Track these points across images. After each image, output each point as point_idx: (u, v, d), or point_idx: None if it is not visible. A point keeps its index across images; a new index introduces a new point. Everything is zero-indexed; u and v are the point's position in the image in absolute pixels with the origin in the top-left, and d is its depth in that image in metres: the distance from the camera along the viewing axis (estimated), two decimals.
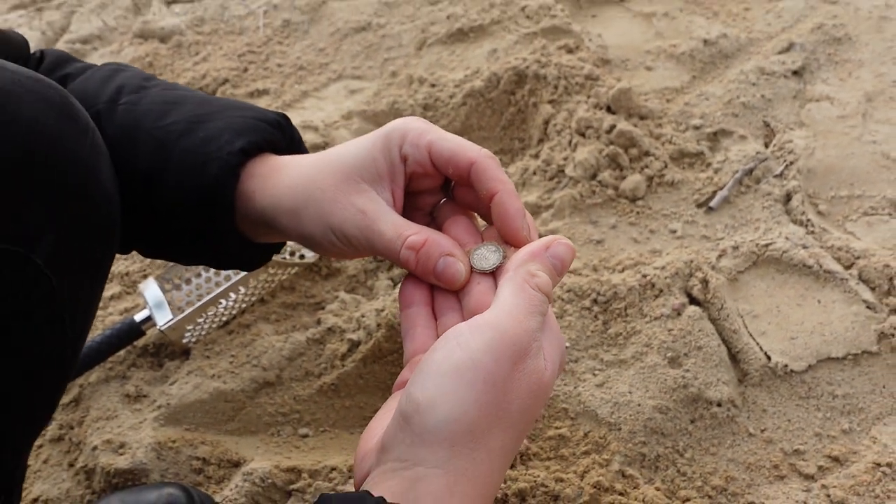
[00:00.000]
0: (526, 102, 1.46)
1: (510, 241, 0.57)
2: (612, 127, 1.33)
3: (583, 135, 1.34)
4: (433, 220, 0.64)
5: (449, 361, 0.46)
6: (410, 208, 0.64)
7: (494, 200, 0.57)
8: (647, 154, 1.31)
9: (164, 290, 1.15)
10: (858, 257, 1.09)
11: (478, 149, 0.59)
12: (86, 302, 0.63)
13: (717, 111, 1.39)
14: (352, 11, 1.85)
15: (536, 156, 1.39)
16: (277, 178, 0.63)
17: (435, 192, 0.64)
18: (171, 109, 0.67)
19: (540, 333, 0.49)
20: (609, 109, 1.39)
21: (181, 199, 0.65)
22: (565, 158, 1.33)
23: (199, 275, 1.19)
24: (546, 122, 1.41)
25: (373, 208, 0.58)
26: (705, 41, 1.55)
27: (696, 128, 1.37)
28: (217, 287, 1.16)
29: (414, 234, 0.57)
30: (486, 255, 0.56)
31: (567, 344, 1.05)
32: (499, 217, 0.57)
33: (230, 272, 1.18)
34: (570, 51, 1.54)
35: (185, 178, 0.64)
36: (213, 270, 1.20)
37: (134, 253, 0.93)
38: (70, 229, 0.57)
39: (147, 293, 1.15)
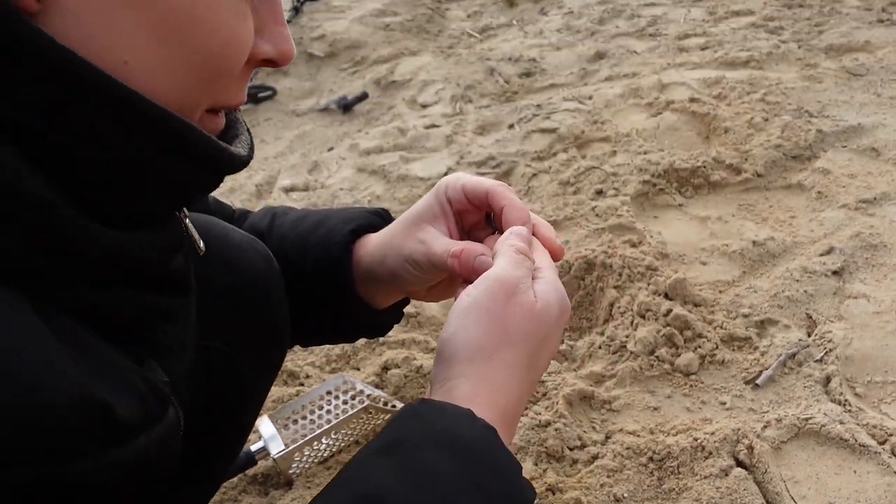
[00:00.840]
0: (594, 287, 1.68)
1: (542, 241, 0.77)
2: (669, 311, 1.52)
3: (643, 317, 1.54)
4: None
5: (461, 306, 0.66)
6: (469, 241, 0.84)
7: (503, 212, 0.76)
8: (700, 336, 1.49)
9: (276, 426, 1.35)
10: (891, 434, 1.22)
11: (494, 182, 0.79)
12: (260, 397, 0.84)
13: (765, 302, 1.57)
14: None
15: (602, 333, 1.58)
16: (372, 244, 0.86)
17: (483, 227, 0.84)
18: (304, 219, 0.93)
19: (527, 279, 0.67)
20: (667, 296, 1.59)
21: (314, 278, 0.87)
22: (627, 336, 1.52)
23: (304, 416, 1.40)
24: (611, 305, 1.62)
25: (429, 238, 0.79)
26: (754, 242, 1.77)
27: (745, 316, 1.55)
28: (320, 428, 1.35)
29: (456, 246, 0.76)
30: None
31: (625, 494, 1.19)
32: (506, 222, 0.76)
33: (331, 417, 1.37)
34: (633, 245, 1.77)
35: (316, 262, 0.87)
36: (316, 413, 1.40)
37: None
38: (261, 336, 0.80)
39: (262, 428, 1.35)
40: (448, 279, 0.86)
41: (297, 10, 3.92)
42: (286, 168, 2.61)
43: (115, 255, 0.52)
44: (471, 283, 0.71)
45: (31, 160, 0.46)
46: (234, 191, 2.45)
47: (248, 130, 0.65)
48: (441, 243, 0.78)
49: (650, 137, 2.28)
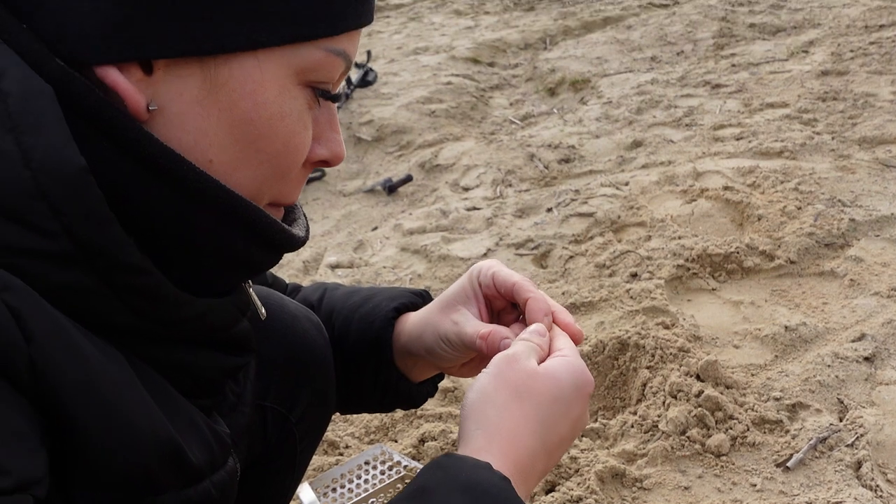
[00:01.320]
0: (627, 367, 1.72)
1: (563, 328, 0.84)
2: (701, 392, 1.55)
3: (675, 397, 1.58)
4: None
5: (478, 378, 0.73)
6: (497, 324, 0.91)
7: (527, 304, 0.83)
8: (731, 417, 1.51)
9: (316, 494, 1.41)
10: None
11: (520, 276, 0.86)
12: (306, 459, 0.91)
13: (796, 387, 1.60)
14: None
15: (635, 412, 1.61)
16: (411, 322, 0.93)
17: (510, 311, 0.90)
18: (352, 295, 1.01)
19: (529, 352, 0.74)
20: (698, 377, 1.62)
21: (360, 348, 0.95)
22: (659, 416, 1.55)
23: (343, 485, 1.45)
24: (644, 385, 1.66)
25: (462, 319, 0.86)
26: (787, 327, 1.80)
27: (777, 399, 1.57)
28: (358, 496, 1.41)
29: (484, 329, 0.83)
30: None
31: None
32: (529, 312, 0.83)
33: (368, 487, 1.43)
34: (666, 327, 1.82)
35: (361, 332, 0.95)
36: (355, 482, 1.45)
37: None
38: (312, 401, 0.87)
39: (302, 494, 1.41)
40: (478, 357, 0.93)
41: (347, 97, 4.12)
42: (332, 246, 2.73)
43: (195, 319, 0.61)
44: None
45: (134, 237, 0.56)
46: (283, 266, 2.56)
47: (304, 215, 0.74)
48: (472, 325, 0.86)
49: (684, 223, 2.35)
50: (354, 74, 4.34)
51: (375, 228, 2.86)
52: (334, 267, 2.51)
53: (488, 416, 0.70)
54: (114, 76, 0.54)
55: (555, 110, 3.85)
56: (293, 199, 0.70)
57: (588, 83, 4.06)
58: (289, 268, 2.56)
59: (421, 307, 0.99)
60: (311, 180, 3.40)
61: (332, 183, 3.41)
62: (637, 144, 3.11)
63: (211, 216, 0.59)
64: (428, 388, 1.03)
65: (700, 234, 2.28)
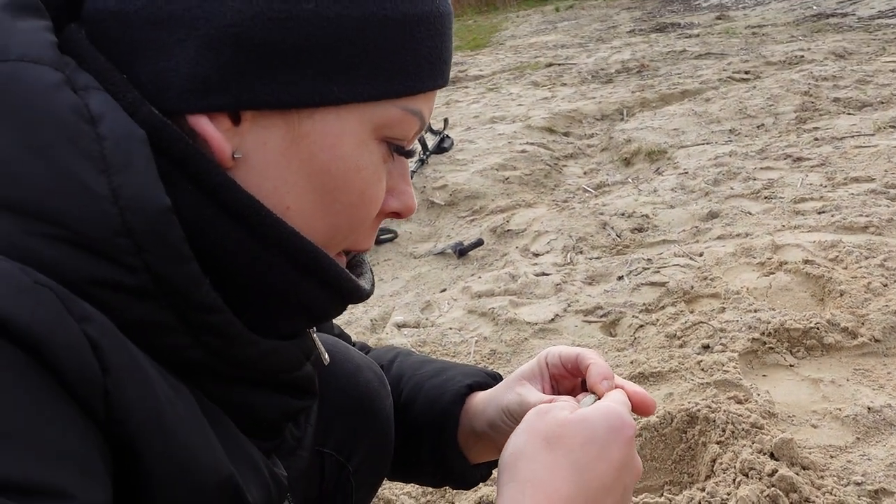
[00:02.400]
0: (696, 441, 1.65)
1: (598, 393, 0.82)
2: (775, 471, 1.47)
3: (746, 475, 1.50)
4: None
5: (510, 438, 0.71)
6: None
7: (589, 370, 0.82)
8: (807, 500, 1.43)
9: None
10: None
11: (586, 349, 0.85)
12: None
13: (879, 472, 1.50)
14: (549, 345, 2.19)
15: (703, 489, 1.54)
16: (479, 397, 0.93)
17: (580, 391, 0.88)
18: (424, 364, 1.01)
19: (562, 407, 0.72)
20: (772, 456, 1.54)
21: (425, 417, 0.94)
22: (728, 494, 1.48)
23: None
24: (713, 461, 1.58)
25: (526, 392, 0.86)
26: (870, 408, 1.70)
27: (858, 484, 1.48)
28: None
29: (548, 397, 0.82)
30: (585, 401, 0.80)
31: None
32: (590, 377, 0.81)
33: None
34: (739, 402, 1.75)
35: (429, 402, 0.94)
36: None
37: None
38: (370, 452, 0.86)
39: None
40: None
41: (423, 162, 4.20)
42: (400, 305, 2.74)
43: (260, 358, 0.62)
44: None
45: (209, 277, 0.57)
46: (350, 323, 2.59)
47: (370, 270, 0.76)
48: (536, 396, 0.86)
49: (761, 296, 2.27)
50: (431, 141, 4.44)
51: (444, 290, 2.87)
52: (401, 326, 2.52)
53: (519, 468, 0.68)
54: (204, 125, 0.57)
55: (629, 180, 3.82)
56: (366, 248, 0.72)
57: (664, 154, 4.03)
58: (357, 325, 2.58)
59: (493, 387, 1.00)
60: (382, 241, 3.45)
61: (404, 245, 3.45)
62: (713, 215, 3.05)
63: (284, 262, 0.60)
64: (482, 472, 1.02)
65: (778, 307, 2.20)
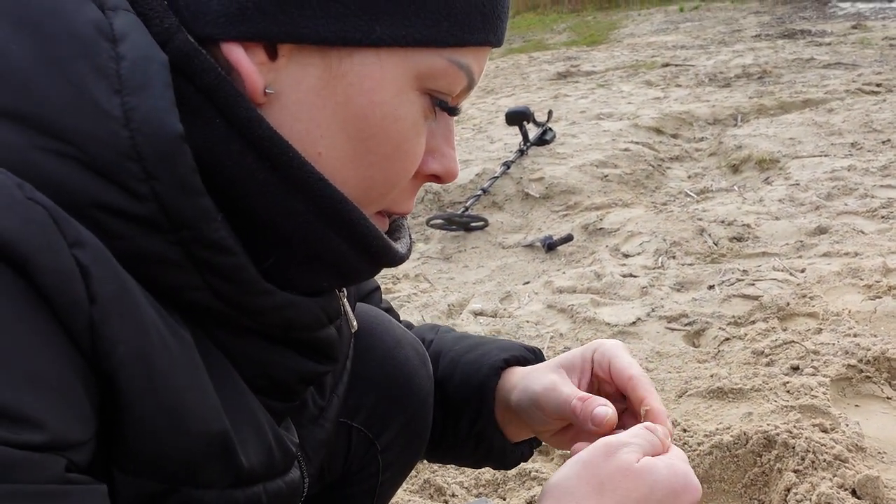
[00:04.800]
0: (771, 467, 1.55)
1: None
2: None
3: None
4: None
5: (569, 459, 0.67)
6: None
7: (642, 403, 0.77)
8: None
9: None
10: None
11: (639, 369, 0.79)
12: (388, 492, 0.87)
13: None
14: None
15: None
16: (516, 377, 0.88)
17: (618, 401, 0.83)
18: (462, 340, 0.98)
19: (634, 444, 0.67)
20: (854, 493, 1.42)
21: (462, 392, 0.91)
22: None
23: None
24: (787, 490, 1.47)
25: (560, 381, 0.81)
26: None
27: None
28: None
29: (583, 393, 0.78)
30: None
31: None
32: (649, 415, 0.76)
33: None
34: (824, 430, 1.62)
35: (465, 377, 0.91)
36: None
37: None
38: (402, 432, 0.84)
39: None
40: (571, 428, 0.85)
41: (522, 153, 4.14)
42: (480, 294, 2.70)
43: (273, 310, 0.59)
44: (587, 432, 0.76)
45: (229, 217, 0.55)
46: (427, 306, 2.57)
47: (409, 236, 0.72)
48: (570, 388, 0.82)
49: (864, 321, 2.11)
50: (533, 132, 4.37)
51: (527, 283, 2.81)
52: (477, 314, 2.48)
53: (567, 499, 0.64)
54: (237, 54, 0.55)
55: (735, 187, 3.65)
56: (405, 210, 0.68)
57: (776, 163, 3.82)
58: (433, 308, 2.56)
59: (532, 364, 0.94)
60: (473, 229, 3.42)
61: (494, 234, 3.41)
62: (821, 231, 2.87)
63: (309, 208, 0.57)
64: (523, 450, 0.97)
65: (881, 334, 2.03)
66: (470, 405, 0.91)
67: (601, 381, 0.84)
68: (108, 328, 0.48)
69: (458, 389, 0.92)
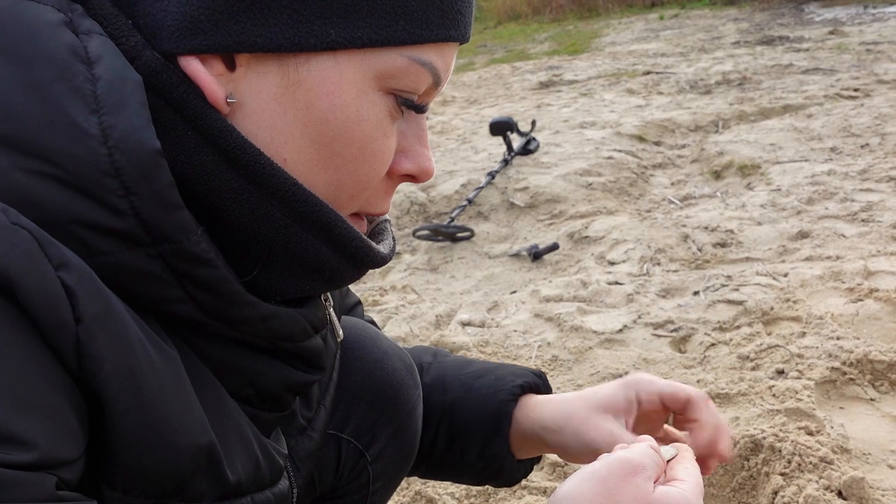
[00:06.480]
0: (758, 470, 1.56)
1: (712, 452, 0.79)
2: None
3: None
4: None
5: (583, 469, 0.63)
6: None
7: (694, 426, 0.80)
8: None
9: None
10: None
11: (694, 389, 0.81)
12: (380, 501, 0.88)
13: None
14: (612, 360, 2.12)
15: None
16: (543, 407, 0.89)
17: (658, 428, 0.86)
18: (468, 365, 0.99)
19: (651, 476, 0.63)
20: (840, 494, 1.44)
21: (475, 416, 0.92)
22: None
23: None
24: (775, 493, 1.49)
25: (619, 432, 0.83)
26: None
27: None
28: None
29: (651, 441, 0.77)
30: (667, 451, 0.74)
31: None
32: (697, 429, 0.79)
33: None
34: (809, 433, 1.64)
35: (480, 402, 0.92)
36: None
37: None
38: (391, 442, 0.84)
39: None
40: None
41: (506, 163, 4.16)
42: (468, 304, 2.71)
43: (256, 321, 0.60)
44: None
45: (208, 229, 0.56)
46: (415, 317, 2.57)
47: (393, 238, 0.72)
48: (629, 436, 0.83)
49: (846, 324, 2.14)
50: (516, 142, 4.39)
51: (514, 292, 2.83)
52: (465, 324, 2.49)
53: None
54: (195, 67, 0.56)
55: (718, 193, 3.68)
56: (380, 211, 0.68)
57: (757, 169, 3.86)
58: (421, 319, 2.56)
59: (542, 390, 0.96)
60: (459, 239, 3.43)
61: (480, 244, 3.42)
62: (803, 235, 2.90)
63: (285, 213, 0.58)
64: (526, 467, 0.99)
65: (863, 336, 2.06)
66: (483, 430, 0.93)
67: (650, 413, 0.87)
68: (95, 347, 0.48)
69: (472, 414, 0.94)
